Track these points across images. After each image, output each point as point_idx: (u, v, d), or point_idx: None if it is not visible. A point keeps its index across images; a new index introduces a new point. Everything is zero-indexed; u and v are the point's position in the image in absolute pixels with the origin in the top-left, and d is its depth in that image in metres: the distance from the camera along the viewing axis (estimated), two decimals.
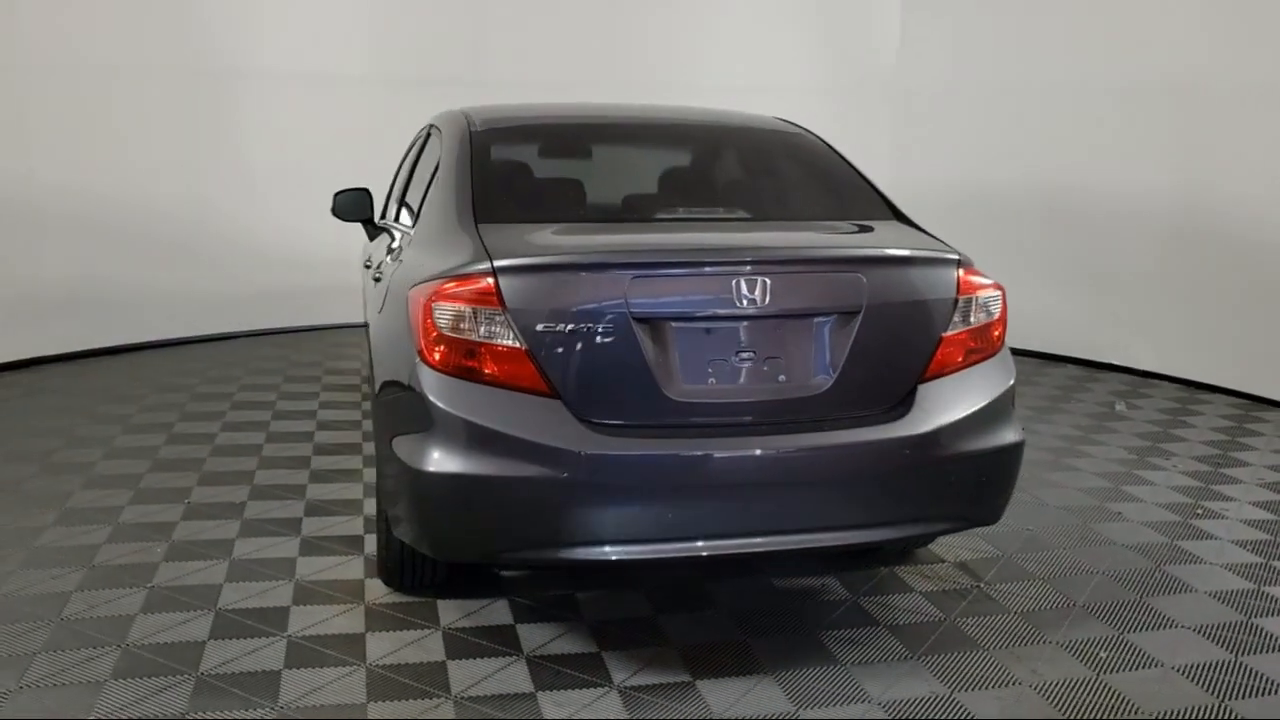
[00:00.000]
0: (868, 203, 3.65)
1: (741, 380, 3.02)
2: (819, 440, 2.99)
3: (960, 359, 3.20)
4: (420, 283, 3.06)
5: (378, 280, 3.86)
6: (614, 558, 2.95)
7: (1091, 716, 2.95)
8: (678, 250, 3.09)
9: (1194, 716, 2.97)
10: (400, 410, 3.11)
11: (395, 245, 3.94)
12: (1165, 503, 4.70)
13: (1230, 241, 6.50)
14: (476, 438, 2.89)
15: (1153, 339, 7.13)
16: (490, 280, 2.92)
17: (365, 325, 5.70)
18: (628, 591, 3.68)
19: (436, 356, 2.95)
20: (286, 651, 3.21)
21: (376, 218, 5.42)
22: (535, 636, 3.35)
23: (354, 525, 4.24)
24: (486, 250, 3.00)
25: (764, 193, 3.79)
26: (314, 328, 8.41)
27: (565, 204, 3.64)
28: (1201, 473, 5.14)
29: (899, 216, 3.61)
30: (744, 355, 3.01)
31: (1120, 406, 6.38)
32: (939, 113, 8.19)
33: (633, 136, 4.07)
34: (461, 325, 2.93)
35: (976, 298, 3.22)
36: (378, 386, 3.37)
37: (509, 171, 3.72)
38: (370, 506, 4.44)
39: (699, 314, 2.98)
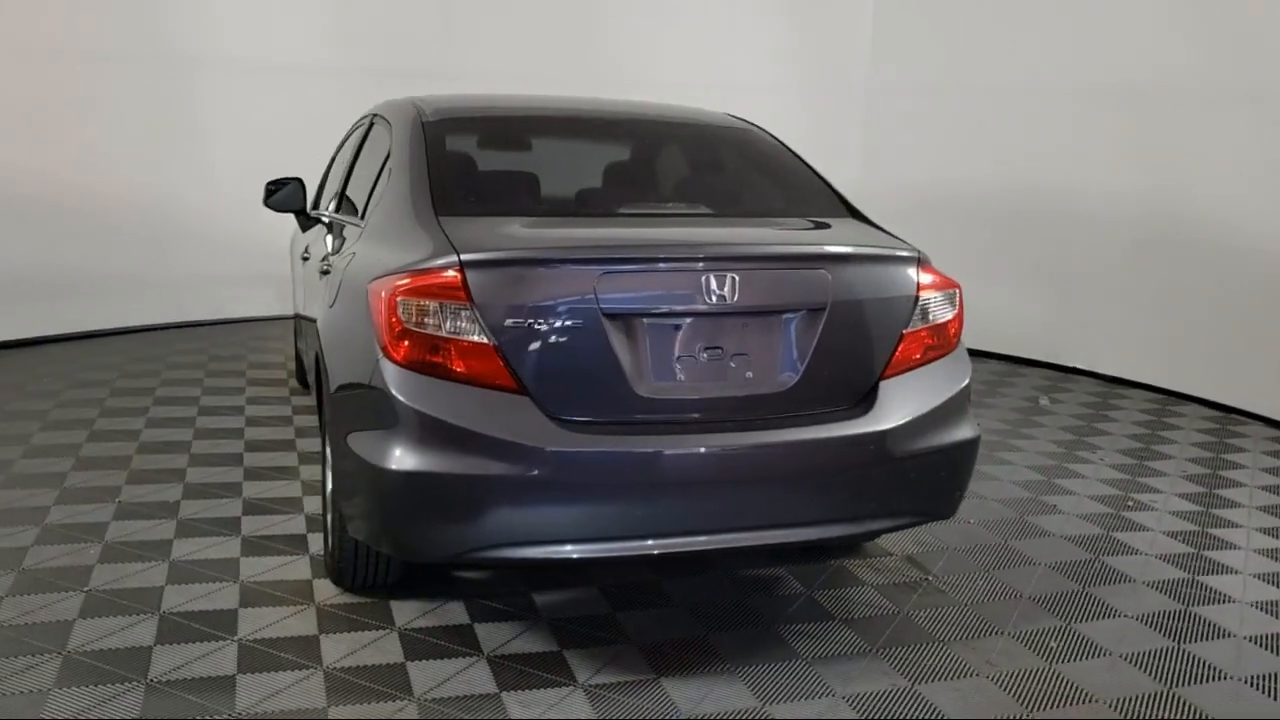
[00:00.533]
0: (823, 200, 3.67)
1: (709, 377, 3.01)
2: (787, 436, 3.00)
3: (919, 355, 3.24)
4: (381, 276, 2.99)
5: (325, 273, 3.76)
6: (580, 555, 2.92)
7: (1048, 706, 3.02)
8: (648, 245, 3.06)
9: (1143, 703, 3.05)
10: (358, 407, 3.03)
11: (342, 238, 3.84)
12: (1096, 495, 4.83)
13: (1198, 245, 6.52)
14: (442, 435, 2.83)
15: (1120, 345, 7.12)
16: (456, 274, 2.86)
17: (296, 317, 5.61)
18: (583, 589, 3.65)
19: (400, 352, 2.88)
20: (238, 655, 3.11)
21: (309, 208, 5.32)
22: (494, 636, 3.31)
23: (295, 524, 4.13)
24: (451, 243, 2.94)
25: (721, 188, 3.79)
26: (228, 320, 8.18)
27: (524, 197, 3.58)
28: (1128, 465, 5.30)
29: (853, 213, 3.64)
30: (712, 352, 3.00)
31: (1044, 401, 6.55)
32: (908, 113, 8.16)
33: (586, 130, 4.03)
34: (426, 320, 2.87)
35: (935, 295, 3.26)
36: (331, 383, 3.27)
37: (464, 163, 3.65)
38: (311, 505, 4.34)
39: (667, 310, 2.96)
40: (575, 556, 2.92)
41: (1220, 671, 3.25)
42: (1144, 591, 3.81)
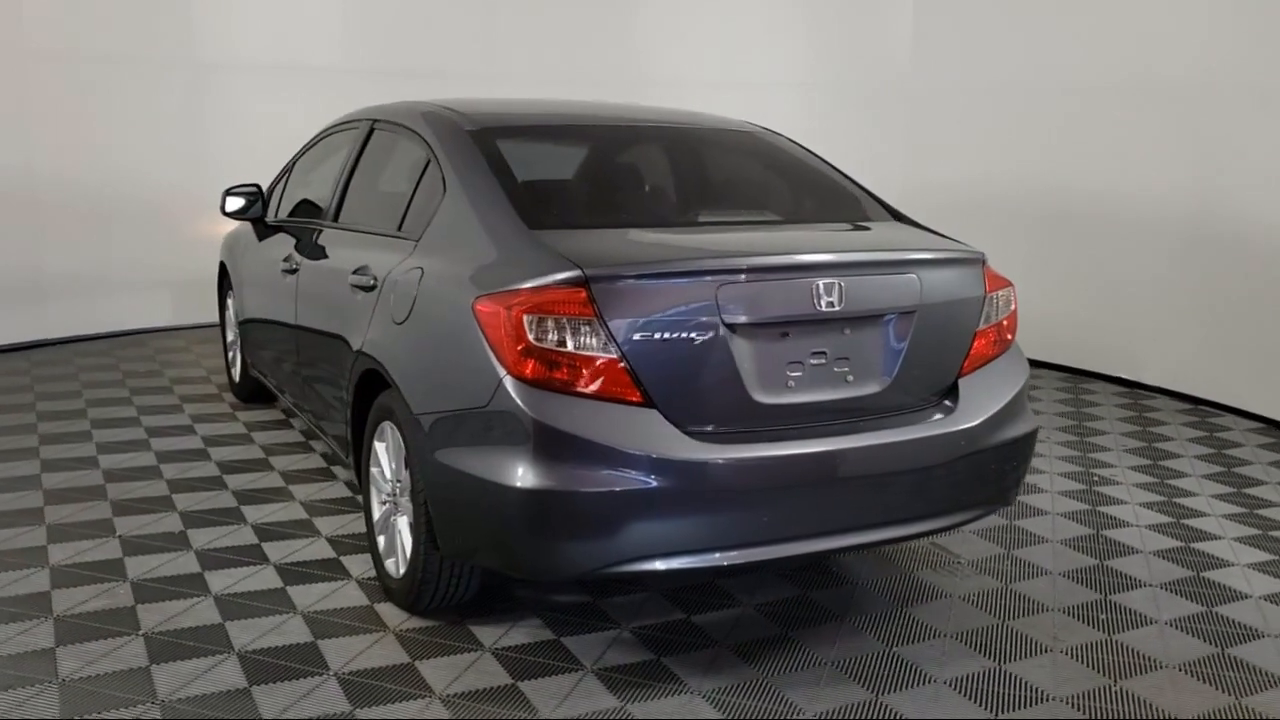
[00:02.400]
0: (867, 204, 3.79)
1: (817, 382, 3.08)
2: (895, 436, 3.11)
3: (989, 353, 3.41)
4: (492, 293, 2.93)
5: (367, 288, 3.61)
6: (709, 565, 2.95)
7: (1121, 675, 3.25)
8: (768, 254, 3.10)
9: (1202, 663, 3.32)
10: (471, 427, 2.96)
11: (376, 251, 3.70)
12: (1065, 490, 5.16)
13: (1245, 247, 6.19)
14: (577, 451, 2.81)
15: (1160, 351, 6.82)
16: (583, 289, 2.84)
17: (244, 325, 5.35)
18: (642, 593, 3.67)
19: (528, 369, 2.84)
20: (344, 691, 3.00)
21: (270, 215, 5.11)
22: (587, 649, 3.29)
23: (320, 548, 3.98)
24: (569, 258, 2.91)
25: (778, 195, 3.85)
26: (124, 332, 7.70)
27: (602, 208, 3.56)
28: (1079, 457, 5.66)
29: (898, 216, 3.78)
30: (818, 357, 3.08)
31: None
32: (952, 115, 7.89)
33: (631, 138, 4.01)
34: (553, 336, 2.84)
35: (999, 294, 3.43)
36: (415, 404, 3.17)
37: (529, 174, 3.59)
38: (326, 526, 4.18)
39: (782, 317, 3.01)
40: (704, 566, 2.95)
41: (1239, 622, 3.56)
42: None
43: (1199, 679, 3.24)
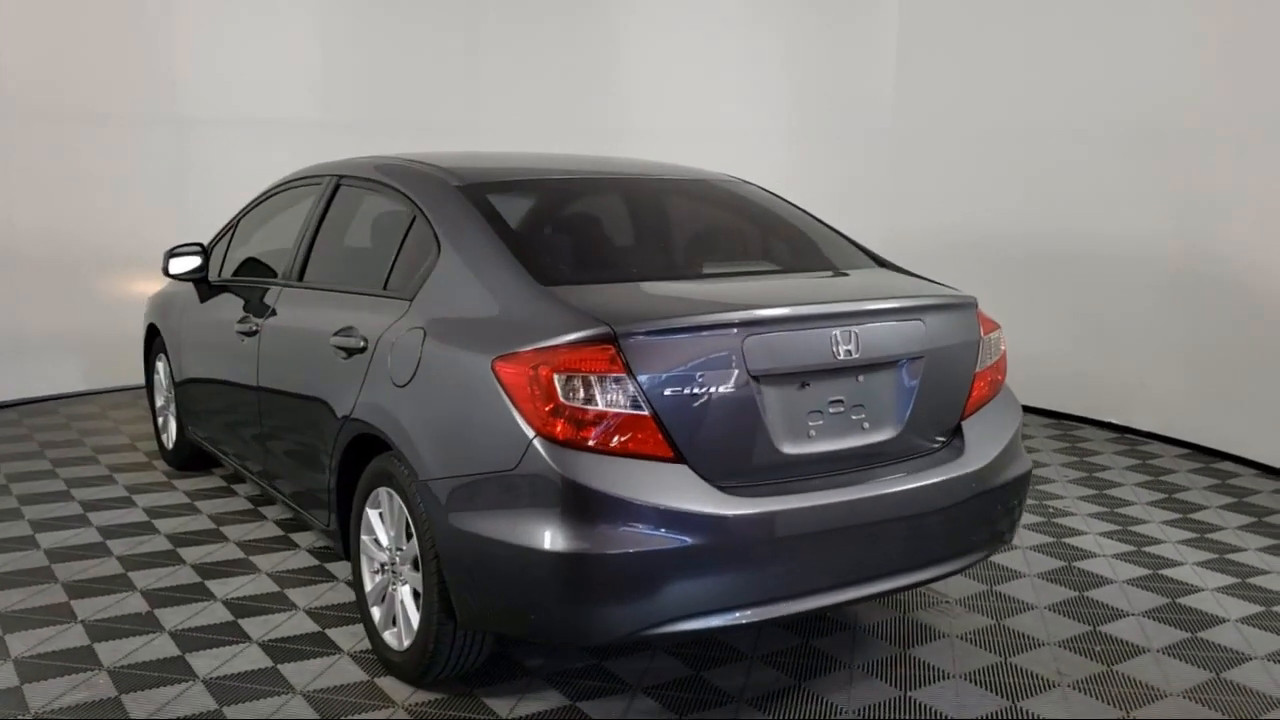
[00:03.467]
0: (855, 253, 3.84)
1: (835, 430, 3.09)
2: (914, 481, 3.13)
3: (986, 395, 3.47)
4: (513, 352, 2.86)
5: (358, 350, 3.49)
6: (747, 621, 2.91)
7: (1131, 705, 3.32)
8: (790, 305, 3.10)
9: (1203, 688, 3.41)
10: (498, 491, 2.87)
11: (357, 311, 3.58)
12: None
13: (1232, 289, 6.09)
14: (614, 511, 2.75)
15: (1151, 397, 6.66)
16: (611, 346, 2.80)
17: (180, 386, 5.13)
18: (644, 651, 3.60)
19: (558, 429, 2.78)
20: None
21: (213, 275, 4.94)
22: (608, 714, 3.22)
23: (301, 621, 3.81)
24: (593, 315, 2.86)
25: (772, 246, 3.87)
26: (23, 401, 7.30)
27: (607, 262, 3.52)
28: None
29: (884, 264, 3.83)
30: (835, 405, 3.09)
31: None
32: (934, 160, 7.79)
33: (615, 190, 3.97)
34: (584, 394, 2.78)
35: (991, 337, 3.51)
36: (426, 469, 3.06)
37: (528, 229, 3.52)
38: (301, 598, 4.01)
39: (803, 367, 3.02)
40: (739, 623, 2.91)
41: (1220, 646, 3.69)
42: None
43: (1204, 705, 3.33)
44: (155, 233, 7.12)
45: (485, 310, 3.12)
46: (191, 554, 4.45)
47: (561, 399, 2.78)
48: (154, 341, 5.82)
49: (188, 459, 5.58)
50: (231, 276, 4.87)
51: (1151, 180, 6.49)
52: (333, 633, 3.73)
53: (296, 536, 4.67)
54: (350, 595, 4.04)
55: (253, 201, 4.98)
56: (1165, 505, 5.33)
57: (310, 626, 3.77)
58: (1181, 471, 5.95)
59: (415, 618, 3.26)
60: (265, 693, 3.29)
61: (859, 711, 3.26)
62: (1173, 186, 6.39)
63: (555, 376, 2.78)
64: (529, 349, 2.86)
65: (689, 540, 2.77)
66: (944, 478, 3.20)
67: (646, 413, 2.81)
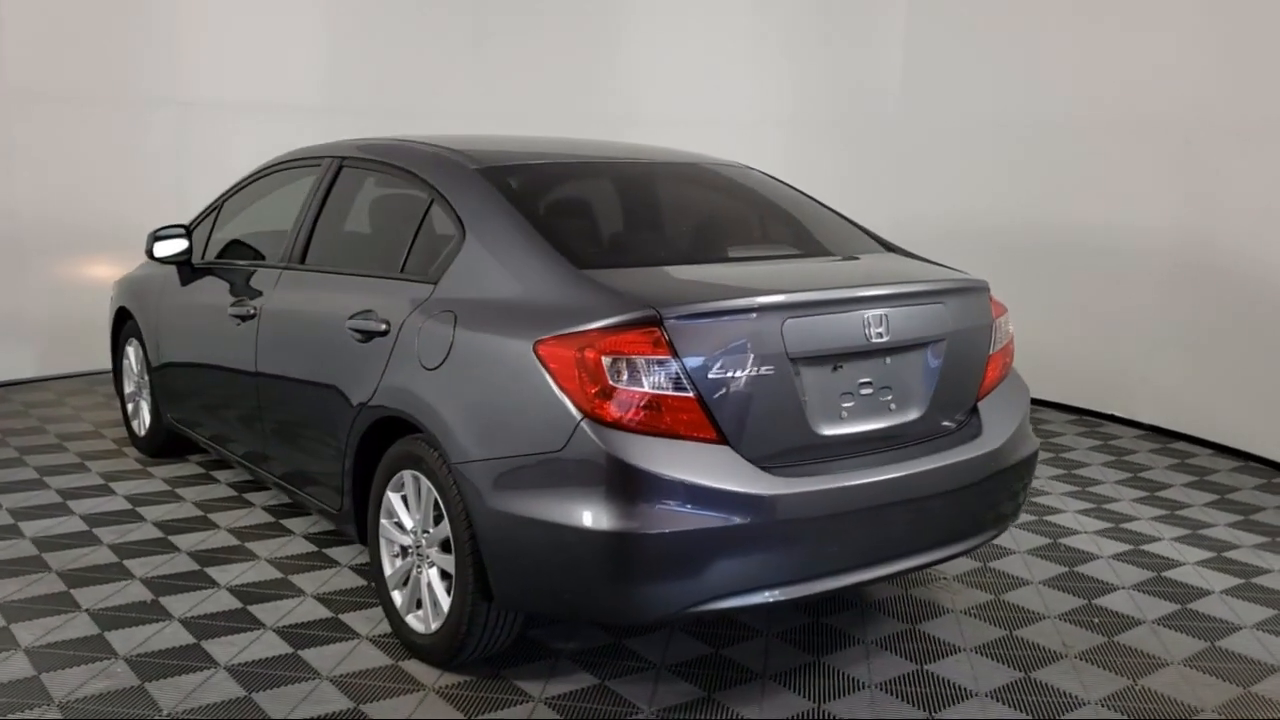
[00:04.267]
0: (862, 237, 3.91)
1: (866, 411, 3.16)
2: (940, 460, 3.22)
3: (998, 377, 3.57)
4: (557, 335, 2.88)
5: (378, 333, 3.46)
6: (786, 597, 2.97)
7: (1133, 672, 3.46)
8: (827, 288, 3.15)
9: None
10: (544, 472, 2.89)
11: (392, 296, 3.53)
12: None
13: (1232, 282, 6.04)
14: (663, 491, 2.78)
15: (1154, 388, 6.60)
16: (657, 328, 2.83)
17: (158, 371, 5.03)
18: (660, 631, 3.65)
19: (607, 411, 2.80)
20: None
21: (195, 258, 4.86)
22: (638, 690, 3.26)
23: (312, 608, 3.78)
24: (637, 297, 2.89)
25: (789, 231, 3.91)
26: None
27: (635, 245, 3.54)
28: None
29: (893, 249, 3.91)
30: (865, 387, 3.16)
31: None
32: (938, 151, 7.65)
33: (632, 176, 3.98)
34: (631, 377, 2.81)
35: (1001, 320, 3.61)
36: (462, 452, 3.06)
37: (553, 214, 3.52)
38: (309, 583, 3.97)
39: (837, 349, 3.08)
40: (780, 599, 2.97)
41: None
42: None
43: (1204, 672, 3.47)
44: (113, 216, 7.01)
45: (520, 293, 3.13)
46: (184, 541, 4.38)
47: (609, 381, 2.80)
48: (123, 326, 5.69)
49: (163, 446, 5.47)
50: (218, 259, 4.78)
51: (1155, 173, 6.41)
52: (347, 618, 3.71)
53: (289, 523, 4.62)
54: (358, 580, 4.02)
55: (238, 184, 4.89)
56: (1131, 484, 5.52)
57: (322, 612, 3.74)
58: (1143, 451, 6.17)
59: (444, 600, 3.26)
60: (291, 679, 3.27)
61: (881, 686, 3.34)
62: (1176, 179, 6.30)
63: (603, 359, 2.80)
64: (573, 331, 2.87)
65: (735, 519, 2.82)
66: (966, 457, 3.29)
67: (691, 394, 2.84)
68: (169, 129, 7.45)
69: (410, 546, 3.41)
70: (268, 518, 4.68)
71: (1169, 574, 4.29)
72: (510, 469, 2.96)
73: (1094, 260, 6.80)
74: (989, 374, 3.52)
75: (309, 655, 3.42)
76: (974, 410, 3.48)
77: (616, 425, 2.80)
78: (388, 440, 3.49)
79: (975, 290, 3.50)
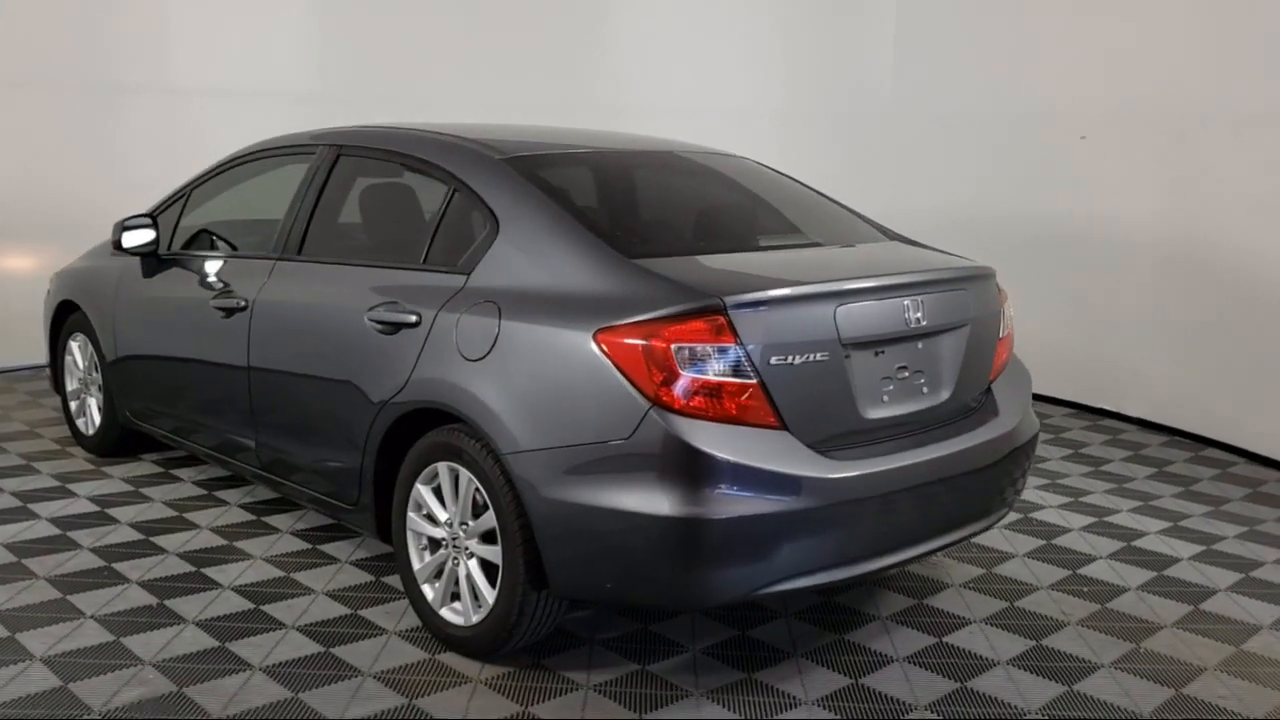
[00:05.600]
0: (867, 227, 4.01)
1: (903, 395, 3.27)
2: (971, 441, 3.36)
3: (1004, 360, 3.73)
4: (618, 324, 2.90)
5: (407, 325, 3.41)
6: (843, 578, 3.08)
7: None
8: (874, 275, 3.25)
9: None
10: (609, 460, 2.90)
11: (418, 288, 3.47)
12: None
13: (1224, 275, 6.00)
14: (731, 477, 2.84)
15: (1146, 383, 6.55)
16: (721, 316, 2.88)
17: (114, 365, 4.85)
18: (683, 615, 3.71)
19: (675, 399, 2.84)
20: None
21: (163, 249, 4.70)
22: (680, 674, 3.31)
23: (328, 605, 3.71)
24: (701, 286, 2.94)
25: (803, 219, 3.97)
26: None
27: (674, 234, 3.57)
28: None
29: (892, 236, 4.03)
30: (901, 371, 3.27)
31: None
32: (930, 142, 7.61)
33: (649, 166, 4.00)
34: (698, 365, 2.86)
35: (1007, 305, 3.77)
36: (513, 443, 3.05)
37: (589, 203, 3.52)
38: (315, 580, 3.90)
39: (881, 335, 3.18)
40: (834, 580, 3.07)
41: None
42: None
43: (1196, 634, 3.71)
44: (85, 204, 6.79)
45: (568, 284, 3.13)
46: (169, 543, 4.23)
47: (676, 369, 2.84)
48: (64, 320, 5.44)
49: (115, 445, 5.25)
50: (189, 250, 4.62)
51: (1147, 165, 6.38)
52: (367, 613, 3.66)
53: (272, 520, 4.51)
54: (363, 575, 3.96)
55: (206, 172, 4.73)
56: (1074, 460, 5.81)
57: (338, 609, 3.68)
58: (1076, 429, 6.49)
59: (487, 592, 3.25)
60: (333, 677, 3.21)
61: (909, 659, 3.46)
62: (1168, 172, 6.28)
63: (671, 347, 2.83)
64: (636, 320, 2.90)
65: (800, 503, 2.90)
66: (991, 436, 3.44)
67: (754, 381, 2.90)
68: (150, 116, 7.27)
69: (444, 539, 3.38)
70: (247, 515, 4.56)
71: (1138, 543, 4.55)
72: (569, 458, 2.97)
73: (1084, 251, 6.76)
74: (998, 357, 3.67)
75: (342, 653, 3.37)
76: (988, 392, 3.62)
77: (684, 412, 2.85)
78: (414, 433, 3.45)
79: (988, 277, 3.65)
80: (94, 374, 5.23)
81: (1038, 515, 4.87)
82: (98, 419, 5.27)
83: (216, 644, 3.40)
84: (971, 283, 3.52)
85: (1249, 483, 5.49)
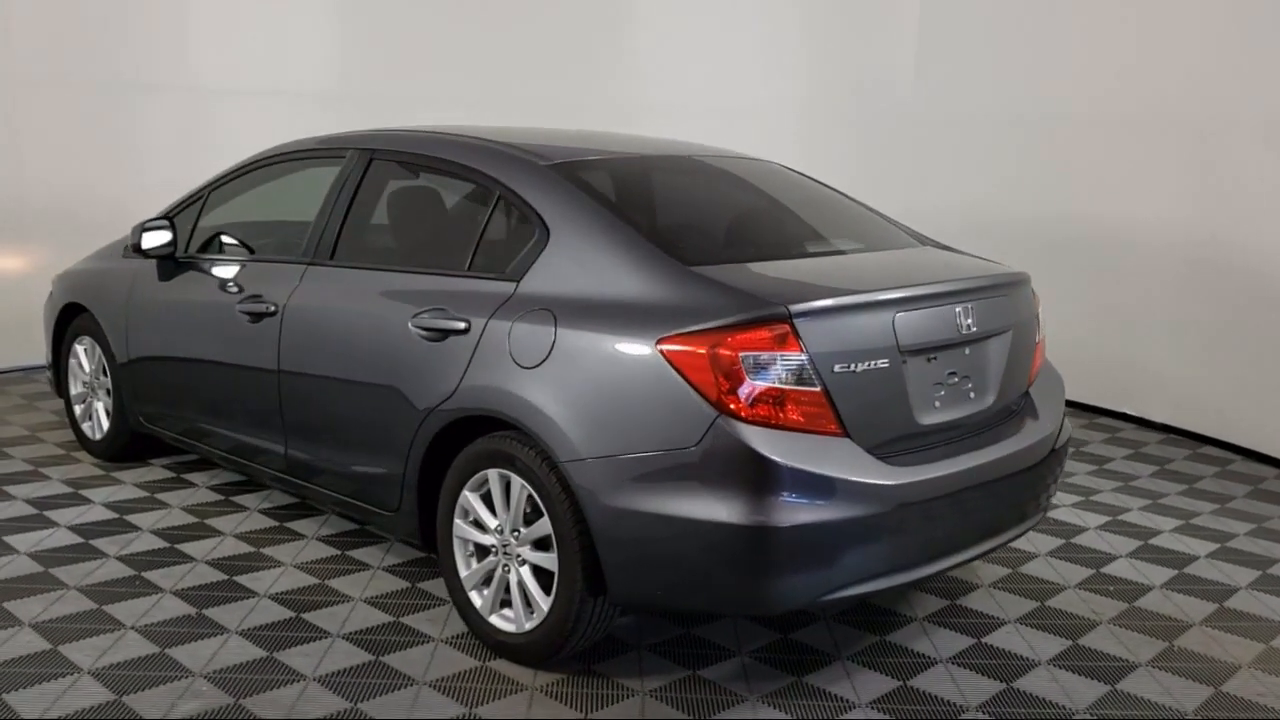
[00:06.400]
0: (898, 232, 4.05)
1: (954, 400, 3.31)
2: (1018, 444, 3.41)
3: (1040, 364, 3.79)
4: (682, 333, 2.92)
5: (454, 332, 3.40)
6: (902, 582, 3.12)
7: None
8: (931, 282, 3.28)
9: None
10: (675, 468, 2.92)
11: (466, 295, 3.46)
12: None
13: (1251, 278, 5.90)
14: (799, 484, 2.86)
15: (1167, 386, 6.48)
16: (787, 324, 2.90)
17: (125, 367, 4.78)
18: (720, 620, 3.73)
19: (740, 407, 2.86)
20: None
21: (179, 252, 4.65)
22: (730, 678, 3.33)
23: (369, 613, 3.70)
24: (765, 295, 2.96)
25: (845, 225, 3.98)
26: None
27: (724, 241, 3.58)
28: None
29: (924, 241, 4.07)
30: (954, 377, 3.31)
31: None
32: (953, 143, 7.49)
33: (683, 171, 4.01)
34: (763, 372, 2.88)
35: (1039, 309, 3.83)
36: (571, 450, 3.06)
37: (639, 210, 3.51)
38: (351, 587, 3.88)
39: (935, 342, 3.22)
40: (894, 585, 3.11)
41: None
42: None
43: (1225, 631, 3.79)
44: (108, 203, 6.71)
45: (625, 292, 3.13)
46: (195, 550, 4.19)
47: (744, 377, 2.86)
48: (69, 323, 5.35)
49: (124, 449, 5.18)
50: (210, 253, 4.57)
51: (1172, 167, 6.31)
52: (409, 620, 3.64)
53: (295, 526, 4.47)
54: (399, 581, 3.95)
55: (225, 175, 4.67)
56: (1080, 459, 5.90)
57: (380, 616, 3.67)
58: (1076, 429, 6.59)
59: (540, 598, 3.25)
60: (388, 686, 3.20)
61: (953, 660, 3.51)
62: (1194, 174, 6.21)
63: (740, 355, 2.85)
64: (700, 329, 2.91)
65: (864, 509, 2.93)
66: (1034, 439, 3.50)
67: (818, 388, 2.93)
68: (168, 115, 7.24)
69: (493, 546, 3.38)
70: (269, 521, 4.52)
71: (1154, 542, 4.63)
72: (632, 466, 2.98)
73: (1107, 254, 6.65)
74: (1035, 361, 3.73)
75: (393, 661, 3.36)
76: (1026, 395, 3.68)
77: (750, 420, 2.87)
78: (459, 439, 3.44)
79: (1026, 282, 3.70)
80: (102, 378, 5.16)
81: (1054, 514, 4.94)
82: (105, 423, 5.20)
83: (264, 654, 3.37)
84: (1014, 288, 3.58)
85: (1249, 480, 5.61)
